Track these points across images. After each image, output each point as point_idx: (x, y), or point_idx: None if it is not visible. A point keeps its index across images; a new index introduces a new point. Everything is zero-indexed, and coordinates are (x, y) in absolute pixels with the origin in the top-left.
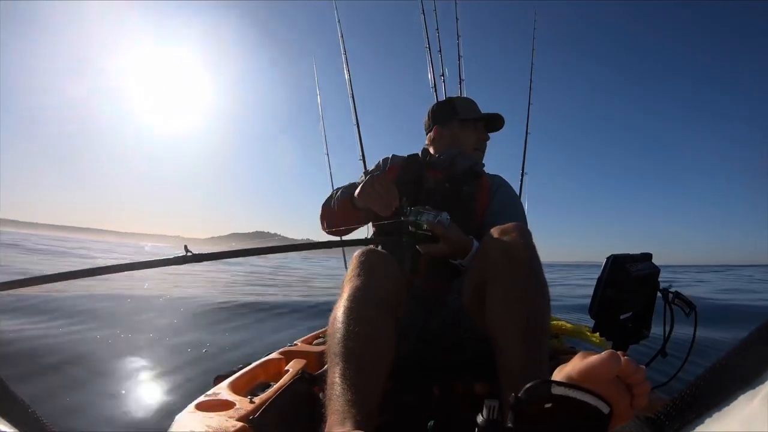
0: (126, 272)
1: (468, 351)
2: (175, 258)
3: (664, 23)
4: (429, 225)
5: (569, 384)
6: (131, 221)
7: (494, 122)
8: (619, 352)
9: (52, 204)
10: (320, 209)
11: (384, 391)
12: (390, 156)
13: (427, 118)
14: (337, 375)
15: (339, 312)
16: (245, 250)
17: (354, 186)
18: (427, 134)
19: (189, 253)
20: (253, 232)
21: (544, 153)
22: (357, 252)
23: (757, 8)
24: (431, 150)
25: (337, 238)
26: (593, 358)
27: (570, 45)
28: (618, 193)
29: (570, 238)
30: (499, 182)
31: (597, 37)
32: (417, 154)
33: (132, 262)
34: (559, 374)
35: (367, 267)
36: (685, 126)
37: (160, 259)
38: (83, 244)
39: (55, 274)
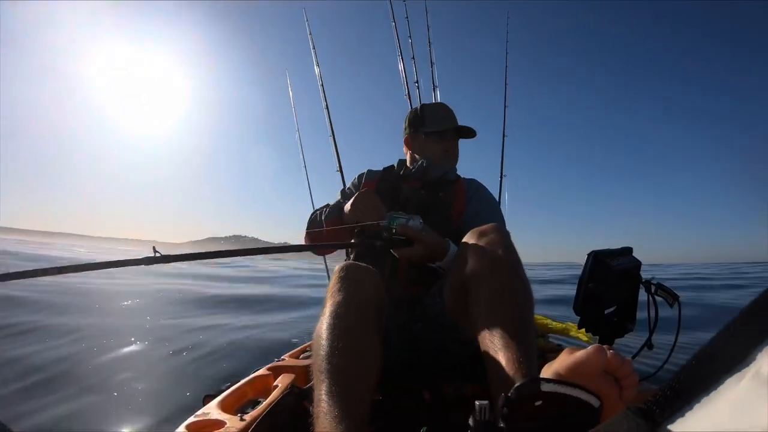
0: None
1: (453, 353)
2: (143, 258)
3: (639, 21)
4: (401, 228)
5: (558, 380)
6: (105, 225)
7: (466, 131)
8: (605, 346)
9: (19, 209)
10: (304, 234)
11: (373, 403)
12: (365, 171)
13: (404, 125)
14: (323, 392)
15: (323, 327)
16: (216, 252)
17: (336, 205)
18: (404, 142)
19: (157, 254)
20: (230, 236)
21: (520, 153)
22: (337, 266)
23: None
24: (408, 156)
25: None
26: (580, 353)
27: (543, 43)
28: (597, 190)
29: (551, 237)
30: (476, 186)
31: (571, 35)
32: (393, 166)
33: (99, 261)
34: (547, 371)
35: (348, 281)
36: (662, 123)
37: (128, 260)
38: (61, 247)
39: (21, 272)
